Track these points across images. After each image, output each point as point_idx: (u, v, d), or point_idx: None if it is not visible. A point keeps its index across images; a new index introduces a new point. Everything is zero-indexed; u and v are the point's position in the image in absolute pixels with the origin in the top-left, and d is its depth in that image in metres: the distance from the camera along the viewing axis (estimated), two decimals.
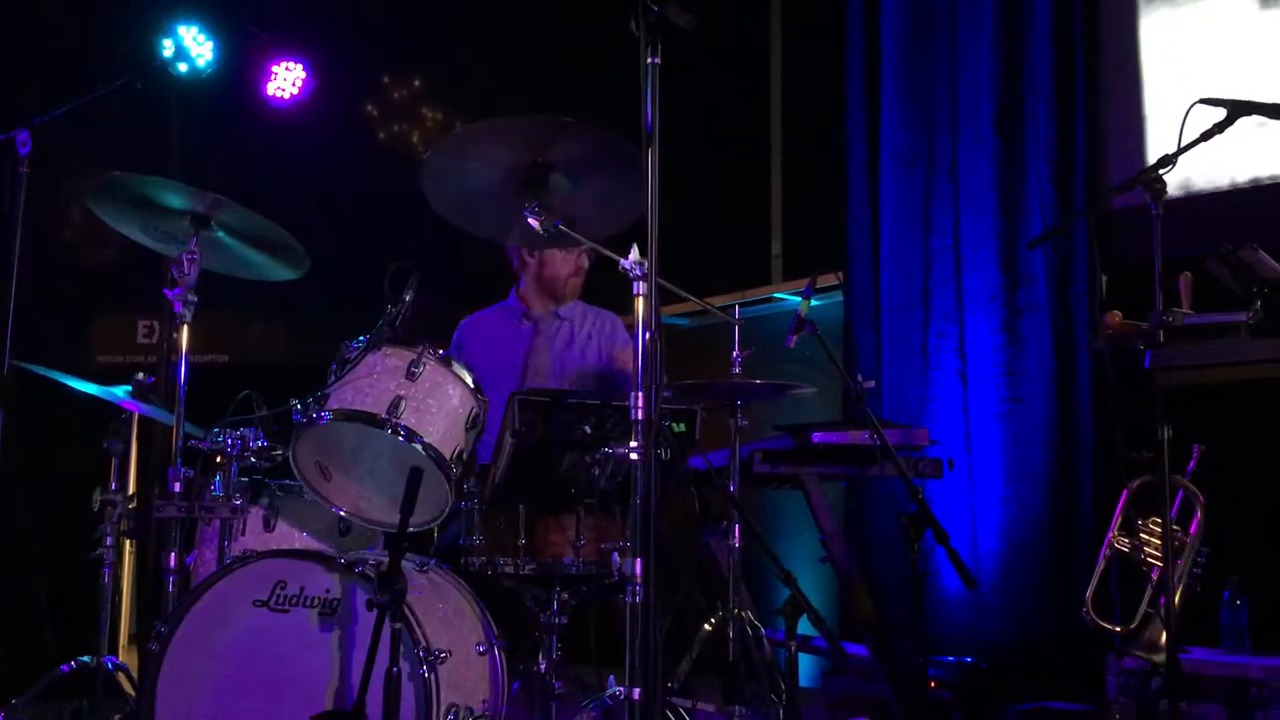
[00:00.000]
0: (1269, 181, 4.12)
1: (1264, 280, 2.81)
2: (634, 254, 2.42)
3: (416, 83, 6.78)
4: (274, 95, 6.17)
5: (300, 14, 6.20)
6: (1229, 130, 2.92)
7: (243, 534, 3.09)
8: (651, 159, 2.35)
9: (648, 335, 2.35)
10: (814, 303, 3.59)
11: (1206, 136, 2.93)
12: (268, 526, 3.15)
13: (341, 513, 2.99)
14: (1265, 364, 2.76)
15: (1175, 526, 3.17)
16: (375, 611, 2.57)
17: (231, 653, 2.77)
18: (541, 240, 2.77)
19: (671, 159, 2.37)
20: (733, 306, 3.57)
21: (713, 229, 5.59)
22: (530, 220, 2.71)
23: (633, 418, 2.35)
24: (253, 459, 3.08)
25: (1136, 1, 4.53)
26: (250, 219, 3.16)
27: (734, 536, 3.39)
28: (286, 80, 6.17)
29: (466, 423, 2.93)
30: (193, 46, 5.68)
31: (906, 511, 3.29)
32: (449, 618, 2.91)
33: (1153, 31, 4.49)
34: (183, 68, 5.66)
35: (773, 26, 6.25)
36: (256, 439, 3.07)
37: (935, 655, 4.10)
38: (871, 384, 3.61)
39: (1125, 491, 3.29)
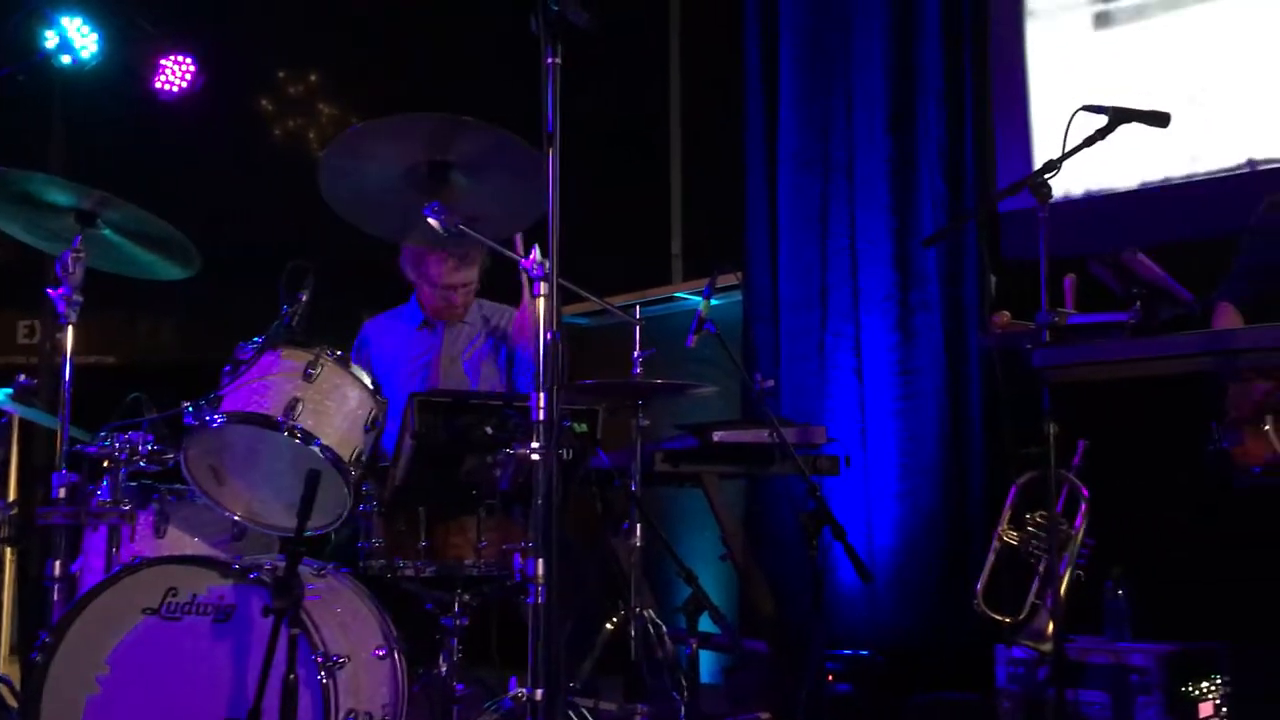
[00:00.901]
0: (1154, 185, 4.27)
1: (1143, 282, 2.91)
2: (535, 254, 2.41)
3: (312, 78, 6.67)
4: (162, 88, 6.00)
5: (189, 5, 6.05)
6: (1110, 136, 3.03)
7: (132, 540, 3.00)
8: (552, 159, 2.34)
9: (549, 335, 2.35)
10: (714, 302, 3.62)
11: (1089, 142, 3.03)
12: (158, 533, 3.05)
13: (235, 517, 2.93)
14: (1144, 362, 2.85)
15: (1061, 520, 3.28)
16: (271, 618, 2.52)
17: (121, 663, 2.69)
18: (441, 240, 2.74)
19: (571, 158, 2.37)
20: (634, 306, 3.58)
21: (613, 229, 5.60)
22: (431, 220, 2.68)
23: (534, 418, 2.35)
24: (142, 463, 2.99)
25: (1022, 11, 4.66)
26: (138, 216, 3.07)
27: (636, 535, 3.41)
28: (175, 73, 6.00)
29: (365, 424, 2.89)
30: (77, 38, 5.49)
31: (805, 509, 3.33)
32: (347, 622, 2.87)
33: (1037, 40, 4.62)
34: (66, 60, 5.47)
35: (671, 26, 6.29)
36: (145, 442, 2.98)
37: (833, 649, 4.16)
38: (771, 383, 3.65)
39: (1014, 486, 3.38)
